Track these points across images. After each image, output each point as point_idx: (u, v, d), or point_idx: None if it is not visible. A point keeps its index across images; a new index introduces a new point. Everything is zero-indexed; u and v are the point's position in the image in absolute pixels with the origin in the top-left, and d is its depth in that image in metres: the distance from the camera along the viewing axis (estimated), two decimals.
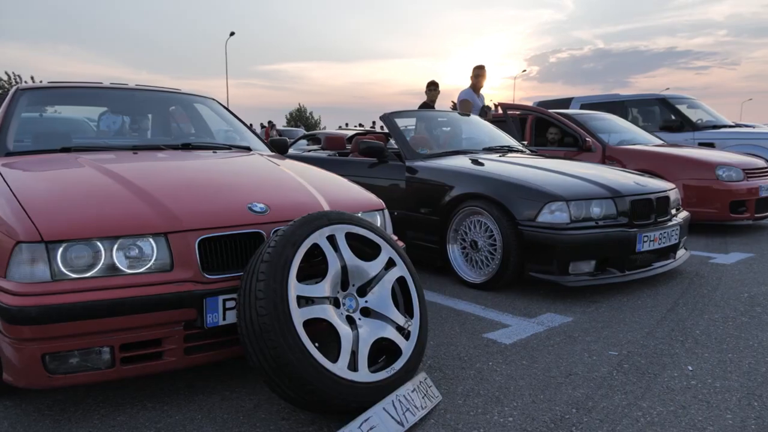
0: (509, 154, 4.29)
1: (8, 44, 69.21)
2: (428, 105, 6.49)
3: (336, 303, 1.84)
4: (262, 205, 2.02)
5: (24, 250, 1.67)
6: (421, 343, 1.94)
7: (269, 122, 21.34)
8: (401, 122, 4.61)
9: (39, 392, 1.99)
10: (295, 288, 1.69)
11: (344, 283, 1.88)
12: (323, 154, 5.13)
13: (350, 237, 1.94)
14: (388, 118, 4.43)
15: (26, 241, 1.68)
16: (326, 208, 2.20)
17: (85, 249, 1.73)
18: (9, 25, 73.18)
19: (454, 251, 3.59)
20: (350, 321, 1.83)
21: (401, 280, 2.01)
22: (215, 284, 1.83)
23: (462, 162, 3.86)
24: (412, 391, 1.82)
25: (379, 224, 2.44)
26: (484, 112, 5.99)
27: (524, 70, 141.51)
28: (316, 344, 1.68)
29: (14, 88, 3.06)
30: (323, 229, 1.86)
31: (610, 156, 5.57)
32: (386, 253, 2.00)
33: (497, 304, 3.11)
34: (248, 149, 3.19)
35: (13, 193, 1.93)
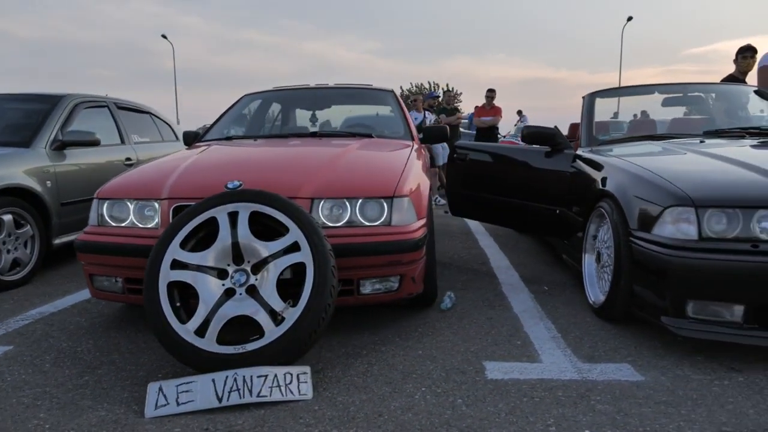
0: (745, 139, 2.92)
1: (458, 58, 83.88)
2: (735, 78, 4.80)
3: (223, 274, 1.96)
4: (237, 183, 2.29)
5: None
6: (295, 334, 1.83)
7: (642, 111, 19.23)
8: (606, 103, 3.76)
9: None
10: (173, 252, 1.94)
11: (240, 258, 1.98)
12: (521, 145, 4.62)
13: (260, 216, 2.00)
14: (587, 99, 3.70)
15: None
16: (308, 191, 2.27)
17: (121, 206, 2.43)
18: (454, 43, 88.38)
19: (589, 263, 2.82)
20: (230, 293, 1.93)
21: (302, 267, 1.93)
22: None
23: (626, 150, 2.92)
24: (260, 376, 1.79)
25: (384, 213, 2.30)
26: None
27: None
28: (178, 304, 1.89)
29: (243, 95, 4.14)
30: (227, 205, 2.00)
31: None
32: (293, 236, 1.95)
33: (584, 334, 2.35)
34: (369, 136, 3.36)
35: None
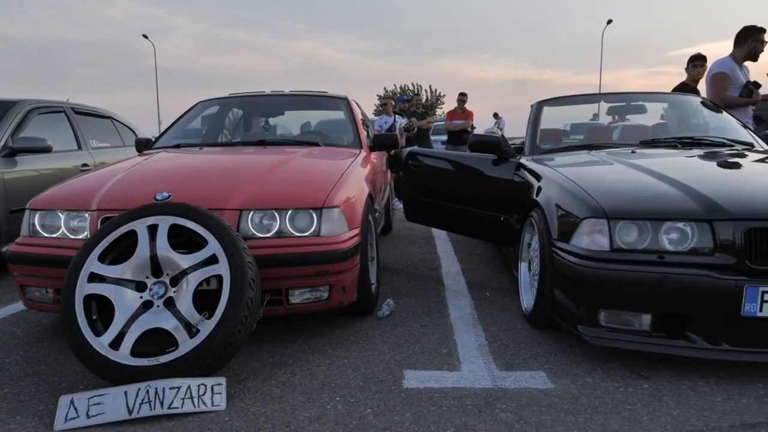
0: (675, 149, 3.00)
1: (447, 58, 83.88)
2: (687, 86, 4.91)
3: (141, 287, 1.98)
4: (166, 194, 2.31)
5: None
6: (210, 346, 1.86)
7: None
8: (554, 111, 3.84)
9: None
10: (91, 265, 1.96)
11: (159, 270, 2.00)
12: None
13: (180, 228, 2.02)
14: (534, 107, 3.77)
15: None
16: (237, 202, 2.30)
17: (53, 216, 2.44)
18: (443, 43, 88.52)
19: (524, 271, 2.88)
20: (148, 305, 1.95)
21: (220, 279, 1.96)
22: None
23: (562, 160, 2.99)
24: (172, 388, 1.81)
25: (314, 224, 2.33)
26: (749, 90, 4.15)
27: None
28: (95, 317, 1.91)
29: (197, 102, 4.15)
30: (147, 218, 2.02)
31: None
32: (211, 249, 1.98)
33: (511, 341, 2.41)
34: (316, 144, 3.40)
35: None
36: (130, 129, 5.65)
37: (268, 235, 2.29)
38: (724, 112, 3.62)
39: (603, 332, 2.10)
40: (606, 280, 2.05)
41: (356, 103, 4.51)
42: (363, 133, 3.73)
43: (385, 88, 36.39)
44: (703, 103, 3.80)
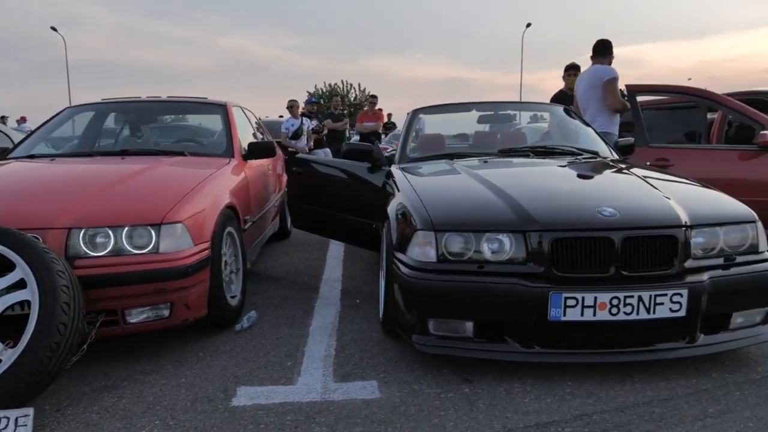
0: (527, 158, 3.17)
1: (381, 57, 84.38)
2: (565, 94, 5.20)
3: None
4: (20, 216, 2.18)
5: None
6: (13, 376, 1.77)
7: (532, 116, 20.33)
8: (429, 119, 3.95)
9: None
10: None
11: None
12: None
13: None
14: (410, 115, 3.85)
15: None
16: (66, 220, 2.20)
17: None
18: (377, 42, 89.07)
19: (382, 278, 2.93)
20: None
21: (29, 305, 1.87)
22: None
23: (421, 169, 3.09)
24: None
25: (152, 241, 2.27)
26: (625, 97, 4.45)
27: None
28: None
29: (65, 107, 3.94)
30: None
31: None
32: (19, 273, 1.89)
33: (358, 351, 2.46)
34: (182, 154, 3.32)
35: None
36: (6, 135, 5.29)
37: (102, 253, 2.22)
38: (580, 121, 3.85)
39: (432, 340, 2.18)
40: (432, 290, 2.13)
41: (243, 109, 4.44)
42: (237, 142, 3.66)
43: (315, 86, 36.15)
44: (566, 111, 4.02)
